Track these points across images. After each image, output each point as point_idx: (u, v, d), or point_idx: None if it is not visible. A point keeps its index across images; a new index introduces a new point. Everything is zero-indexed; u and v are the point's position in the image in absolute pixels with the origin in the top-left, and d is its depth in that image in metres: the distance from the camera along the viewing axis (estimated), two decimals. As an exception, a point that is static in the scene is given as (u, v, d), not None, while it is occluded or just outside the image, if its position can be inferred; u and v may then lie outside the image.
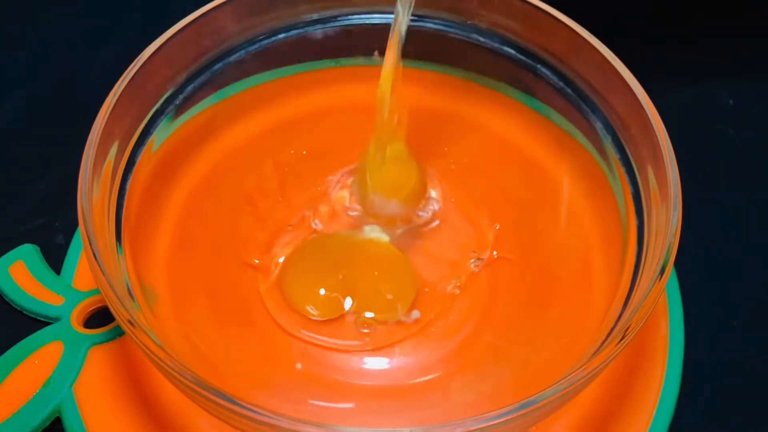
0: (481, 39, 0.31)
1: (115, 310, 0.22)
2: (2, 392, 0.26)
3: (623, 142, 0.28)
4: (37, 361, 0.27)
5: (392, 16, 0.27)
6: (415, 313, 0.29)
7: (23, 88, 0.37)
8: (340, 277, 0.29)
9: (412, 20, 0.31)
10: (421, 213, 0.31)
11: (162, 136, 0.29)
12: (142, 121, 0.28)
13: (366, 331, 0.28)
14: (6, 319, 0.29)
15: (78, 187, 0.24)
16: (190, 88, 0.29)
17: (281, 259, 0.30)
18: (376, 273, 0.30)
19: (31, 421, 0.26)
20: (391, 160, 0.30)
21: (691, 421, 0.28)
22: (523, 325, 0.28)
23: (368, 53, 0.32)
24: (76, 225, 0.31)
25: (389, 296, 0.29)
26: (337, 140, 0.33)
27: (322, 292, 0.29)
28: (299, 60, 0.32)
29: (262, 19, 0.30)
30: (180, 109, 0.29)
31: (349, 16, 0.32)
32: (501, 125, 0.32)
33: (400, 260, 0.30)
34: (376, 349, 0.28)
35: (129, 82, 0.26)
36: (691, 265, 0.30)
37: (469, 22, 0.31)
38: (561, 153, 0.31)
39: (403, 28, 0.27)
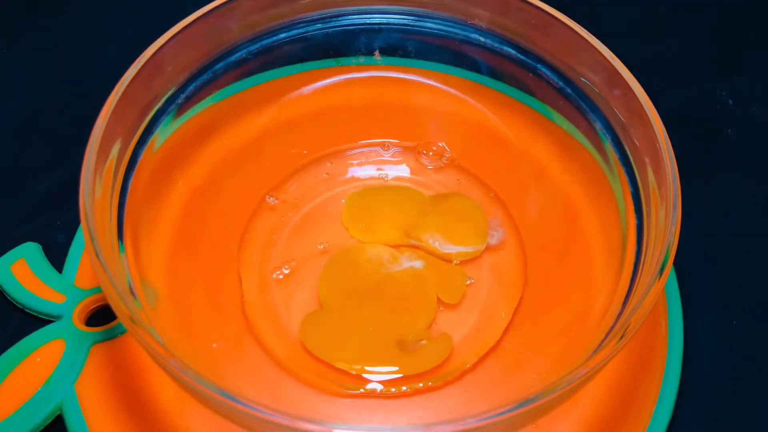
0: (481, 39, 0.31)
1: (117, 308, 0.22)
2: (4, 390, 0.27)
3: (623, 142, 0.28)
4: (39, 359, 0.27)
5: (392, 16, 0.27)
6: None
7: (25, 88, 0.37)
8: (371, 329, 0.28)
9: (412, 20, 0.32)
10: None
11: (164, 135, 0.29)
12: (143, 120, 0.28)
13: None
14: (8, 317, 0.29)
15: (80, 185, 0.24)
16: (191, 87, 0.30)
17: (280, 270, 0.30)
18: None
19: (33, 419, 0.26)
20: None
21: (691, 421, 0.28)
22: (523, 323, 0.28)
23: (368, 53, 0.33)
24: (78, 223, 0.31)
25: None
26: (337, 140, 0.33)
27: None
28: (299, 60, 0.32)
29: (263, 19, 0.31)
30: (182, 109, 0.29)
31: (349, 16, 0.32)
32: (500, 125, 0.32)
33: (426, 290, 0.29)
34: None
35: (131, 81, 0.26)
36: (691, 265, 0.30)
37: (469, 22, 0.31)
38: (561, 153, 0.31)
39: None
